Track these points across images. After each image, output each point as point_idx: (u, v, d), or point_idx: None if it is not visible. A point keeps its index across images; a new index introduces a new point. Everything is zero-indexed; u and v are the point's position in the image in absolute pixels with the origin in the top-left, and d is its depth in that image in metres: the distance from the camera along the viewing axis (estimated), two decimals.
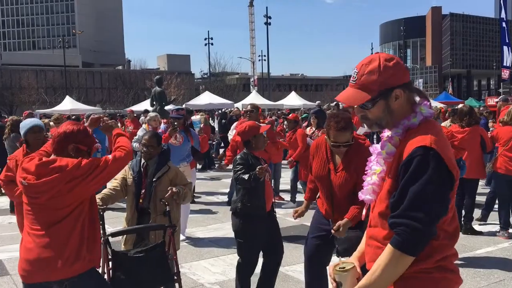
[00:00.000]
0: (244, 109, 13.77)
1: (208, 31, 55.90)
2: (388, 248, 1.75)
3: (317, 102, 15.67)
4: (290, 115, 10.11)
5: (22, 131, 4.22)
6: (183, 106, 18.61)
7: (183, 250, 5.97)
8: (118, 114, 24.58)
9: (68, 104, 28.15)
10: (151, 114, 9.26)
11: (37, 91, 56.58)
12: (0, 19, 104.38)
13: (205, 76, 73.65)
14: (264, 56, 51.08)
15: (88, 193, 2.79)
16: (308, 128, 11.41)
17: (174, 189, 3.84)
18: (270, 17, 46.92)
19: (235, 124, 9.75)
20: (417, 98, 1.94)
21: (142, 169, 4.12)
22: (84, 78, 71.88)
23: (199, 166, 12.65)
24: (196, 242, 6.43)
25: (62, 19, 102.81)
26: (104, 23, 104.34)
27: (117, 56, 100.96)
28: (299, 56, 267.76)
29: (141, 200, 4.03)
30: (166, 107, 14.46)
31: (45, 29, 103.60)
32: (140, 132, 8.40)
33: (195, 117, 9.02)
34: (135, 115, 13.22)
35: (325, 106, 15.66)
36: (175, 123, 6.74)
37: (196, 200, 9.24)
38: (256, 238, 4.01)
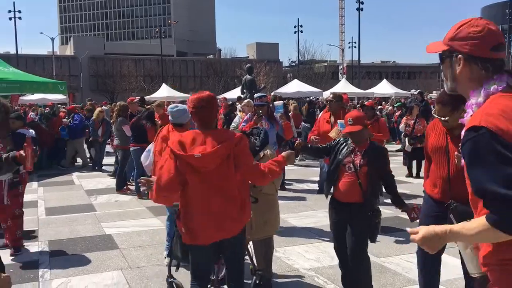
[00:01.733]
0: (326, 99, 13.59)
1: (298, 19, 55.86)
2: (484, 220, 1.63)
3: (418, 90, 15.00)
4: (367, 101, 9.78)
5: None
6: (272, 93, 18.75)
7: (277, 234, 6.10)
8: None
9: (164, 92, 29.61)
10: (245, 101, 9.46)
11: (136, 79, 60.18)
12: (104, 11, 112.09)
13: (293, 64, 73.57)
14: (355, 43, 49.94)
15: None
16: (404, 118, 11.04)
17: None
18: (362, 2, 45.59)
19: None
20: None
21: None
22: (178, 66, 75.08)
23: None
24: (289, 228, 6.52)
25: (158, 10, 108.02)
26: (197, 14, 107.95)
27: (209, 45, 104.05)
28: (390, 43, 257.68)
29: None
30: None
31: (143, 20, 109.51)
32: (237, 119, 8.61)
33: (278, 102, 8.99)
34: (229, 102, 13.57)
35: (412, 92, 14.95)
36: (260, 110, 6.77)
37: (287, 187, 9.34)
38: None
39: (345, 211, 3.93)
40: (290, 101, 15.40)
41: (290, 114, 12.39)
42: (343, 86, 29.05)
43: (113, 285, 4.61)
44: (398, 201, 3.99)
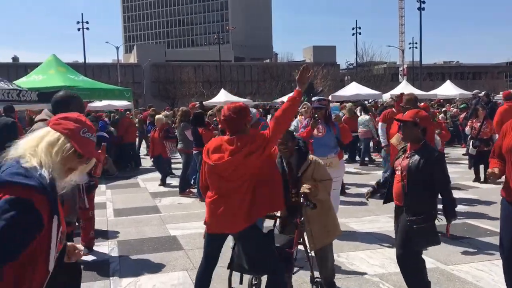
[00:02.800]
0: (391, 98, 13.21)
1: (356, 21, 54.96)
2: None
3: (483, 92, 14.34)
4: (422, 104, 9.42)
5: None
6: (329, 97, 18.55)
7: (338, 239, 6.03)
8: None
9: (222, 97, 30.15)
10: (304, 104, 9.43)
11: (195, 85, 61.70)
12: (165, 19, 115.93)
13: (351, 66, 72.48)
14: (416, 43, 48.45)
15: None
16: (469, 121, 10.57)
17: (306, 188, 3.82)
18: (424, 2, 44.16)
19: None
20: None
21: (286, 168, 4.14)
22: (236, 72, 76.13)
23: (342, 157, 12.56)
24: (351, 233, 6.43)
25: (217, 17, 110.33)
26: (254, 19, 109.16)
27: (265, 50, 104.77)
28: (453, 42, 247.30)
29: (294, 198, 4.07)
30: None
31: (202, 27, 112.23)
32: (295, 123, 8.60)
33: (334, 104, 8.85)
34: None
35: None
36: (316, 114, 6.51)
37: (346, 191, 9.22)
38: None
39: (397, 214, 4.02)
40: (346, 103, 15.17)
41: (343, 117, 12.18)
42: (404, 88, 28.15)
43: (179, 285, 4.76)
44: (445, 212, 3.86)
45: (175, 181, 10.77)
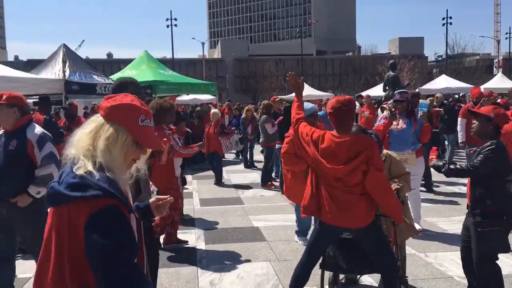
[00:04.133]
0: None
1: (447, 10, 51.95)
2: None
3: None
4: (500, 99, 8.64)
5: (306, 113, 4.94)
6: (416, 90, 17.78)
7: (425, 239, 5.81)
8: None
9: (304, 91, 30.00)
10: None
11: (277, 79, 61.99)
12: (248, 14, 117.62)
13: (440, 58, 68.86)
14: None
15: None
16: None
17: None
18: None
19: None
20: None
21: None
22: (318, 65, 75.39)
23: None
24: (440, 233, 6.16)
25: (299, 10, 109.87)
26: (337, 11, 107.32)
27: (348, 42, 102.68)
28: None
29: None
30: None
31: (284, 21, 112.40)
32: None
33: (424, 101, 8.39)
34: (372, 100, 13.20)
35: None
36: (398, 106, 6.14)
37: (435, 189, 8.83)
38: None
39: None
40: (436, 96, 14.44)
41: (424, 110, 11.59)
42: (498, 81, 26.25)
43: (263, 275, 4.85)
44: None
45: (257, 174, 10.95)
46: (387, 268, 3.46)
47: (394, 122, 6.10)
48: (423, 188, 8.31)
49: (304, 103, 4.55)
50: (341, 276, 4.33)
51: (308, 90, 30.44)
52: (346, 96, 3.60)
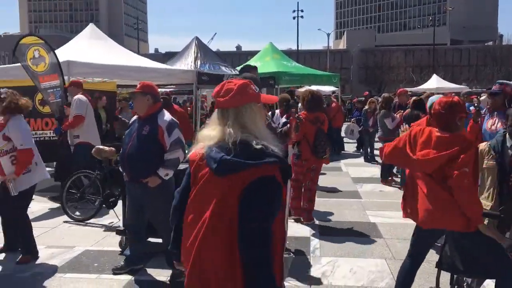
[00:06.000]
0: None
1: None
2: None
3: None
4: None
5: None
6: None
7: None
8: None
9: (434, 83, 28.20)
10: None
11: (405, 70, 59.21)
12: (376, 3, 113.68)
13: None
14: None
15: None
16: None
17: None
18: None
19: None
20: None
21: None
22: (451, 55, 70.35)
23: None
24: None
25: None
26: None
27: (488, 31, 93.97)
28: None
29: None
30: None
31: (416, 9, 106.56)
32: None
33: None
34: None
35: None
36: (492, 100, 5.04)
37: None
38: None
39: None
40: None
41: None
42: None
43: (377, 272, 4.72)
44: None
45: (377, 168, 10.62)
46: (502, 274, 3.19)
47: (490, 121, 4.97)
48: None
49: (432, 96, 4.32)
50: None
51: (439, 82, 28.57)
52: (451, 97, 3.40)
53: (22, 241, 5.00)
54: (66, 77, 7.80)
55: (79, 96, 7.33)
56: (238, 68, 14.15)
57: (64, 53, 9.15)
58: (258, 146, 1.89)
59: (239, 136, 1.92)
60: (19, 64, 7.92)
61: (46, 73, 7.68)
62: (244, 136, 1.92)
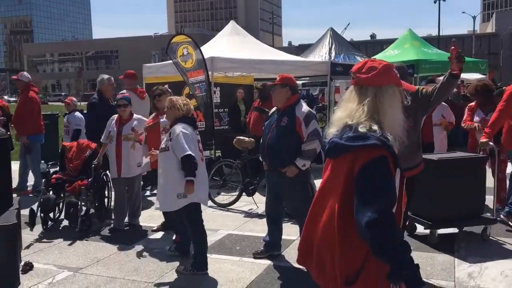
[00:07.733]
0: None
1: None
2: None
3: None
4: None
5: None
6: None
7: None
8: None
9: None
10: None
11: None
12: None
13: None
14: None
15: None
16: None
17: None
18: None
19: None
20: None
21: None
22: None
23: None
24: None
25: None
26: None
27: None
28: None
29: None
30: None
31: None
32: None
33: None
34: None
35: None
36: None
37: None
38: None
39: None
40: None
41: None
42: None
43: None
44: None
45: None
46: None
47: None
48: None
49: None
50: None
51: None
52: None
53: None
54: (210, 72, 8.37)
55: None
56: (376, 57, 13.76)
57: (208, 49, 9.80)
58: (363, 130, 1.88)
59: (363, 118, 1.91)
60: (168, 61, 8.69)
61: (193, 69, 8.32)
62: (366, 118, 1.91)
